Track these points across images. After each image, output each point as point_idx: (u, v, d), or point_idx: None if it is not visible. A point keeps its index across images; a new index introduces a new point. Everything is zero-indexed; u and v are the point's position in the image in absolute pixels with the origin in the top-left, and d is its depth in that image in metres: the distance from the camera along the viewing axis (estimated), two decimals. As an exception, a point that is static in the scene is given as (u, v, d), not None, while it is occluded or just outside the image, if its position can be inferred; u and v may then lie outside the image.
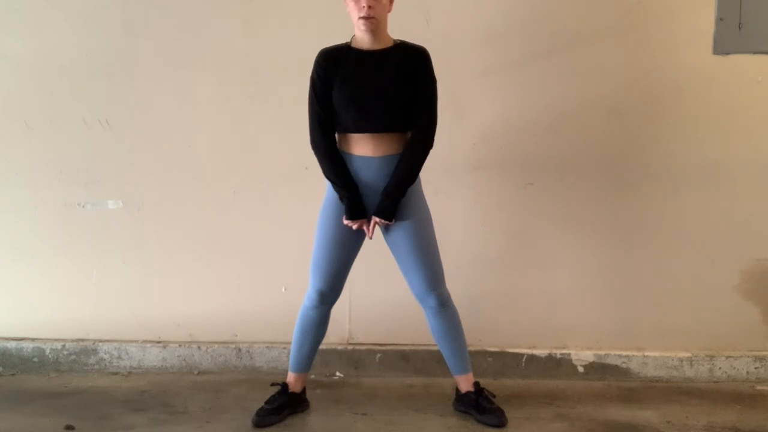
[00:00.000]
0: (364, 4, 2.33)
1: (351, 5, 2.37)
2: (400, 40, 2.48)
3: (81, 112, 3.10)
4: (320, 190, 2.55)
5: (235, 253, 3.11)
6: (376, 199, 2.45)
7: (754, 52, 2.96)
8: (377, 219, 2.45)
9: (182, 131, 3.10)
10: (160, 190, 3.12)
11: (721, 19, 2.95)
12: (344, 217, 2.45)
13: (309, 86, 2.47)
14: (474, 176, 3.03)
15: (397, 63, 2.42)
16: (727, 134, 3.00)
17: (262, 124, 3.06)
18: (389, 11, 2.44)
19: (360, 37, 2.44)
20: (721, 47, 2.96)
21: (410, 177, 2.45)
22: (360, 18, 2.36)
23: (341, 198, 2.45)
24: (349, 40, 2.48)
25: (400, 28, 2.51)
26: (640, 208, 3.04)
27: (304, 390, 2.64)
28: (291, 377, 2.61)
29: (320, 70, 2.44)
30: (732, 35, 2.95)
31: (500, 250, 3.08)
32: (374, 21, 2.36)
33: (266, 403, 2.54)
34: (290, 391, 2.59)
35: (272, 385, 2.61)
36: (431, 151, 2.48)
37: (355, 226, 2.46)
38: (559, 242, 3.06)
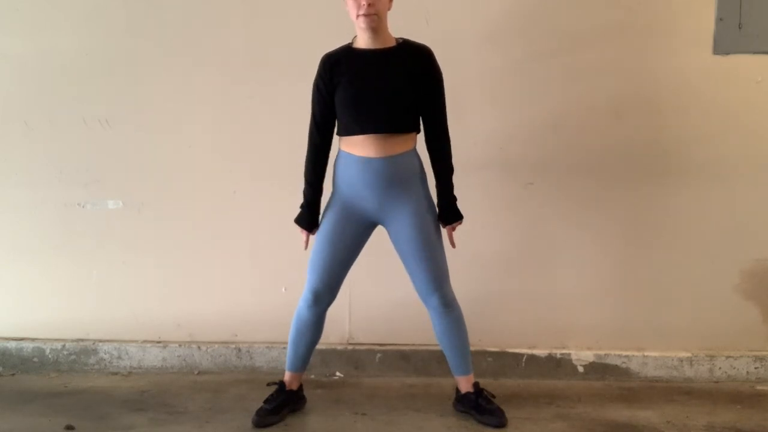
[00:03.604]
0: (364, 2, 2.32)
1: (350, 3, 2.36)
2: (403, 39, 2.47)
3: (81, 112, 3.10)
4: (320, 190, 2.55)
5: (235, 253, 3.12)
6: (374, 203, 2.45)
7: (754, 52, 2.96)
8: (453, 226, 2.54)
9: (182, 131, 3.10)
10: (160, 190, 3.12)
11: (721, 19, 2.95)
12: (295, 219, 2.54)
13: (312, 89, 2.48)
14: (474, 176, 3.02)
15: (402, 63, 2.41)
16: (727, 134, 2.99)
17: (262, 124, 3.07)
18: (389, 9, 2.43)
19: (361, 36, 2.43)
20: (721, 47, 2.96)
21: (451, 172, 2.53)
22: (360, 15, 2.35)
23: (304, 196, 2.52)
24: (350, 42, 2.48)
25: (400, 28, 2.51)
26: (640, 207, 3.04)
27: (301, 387, 2.64)
28: (287, 376, 2.61)
29: (323, 75, 2.45)
30: (732, 35, 2.95)
31: (500, 250, 3.08)
32: (374, 18, 2.35)
33: (265, 402, 2.54)
34: (287, 389, 2.59)
35: (269, 384, 2.61)
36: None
37: (303, 236, 2.54)
38: (560, 242, 3.06)
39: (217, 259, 3.12)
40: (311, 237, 2.56)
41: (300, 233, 2.56)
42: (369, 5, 2.32)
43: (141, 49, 3.08)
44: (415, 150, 2.50)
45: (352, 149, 2.45)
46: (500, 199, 3.06)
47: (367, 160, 2.42)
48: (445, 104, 2.50)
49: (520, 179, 3.04)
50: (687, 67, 2.98)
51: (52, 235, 3.14)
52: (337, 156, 2.52)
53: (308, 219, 2.53)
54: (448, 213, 2.53)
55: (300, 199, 2.55)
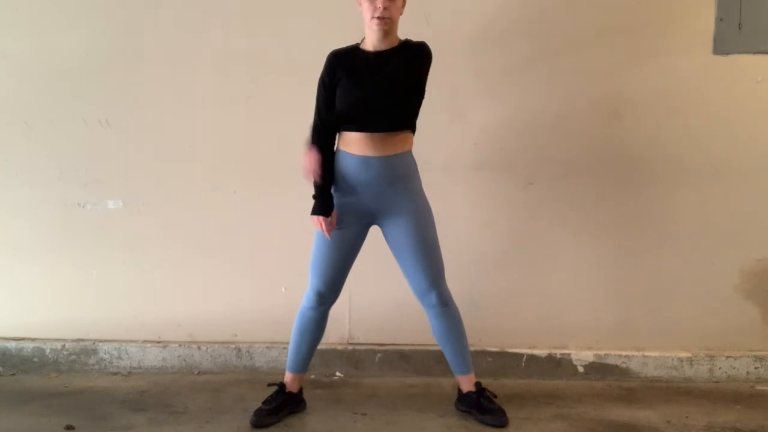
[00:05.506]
0: (379, 5, 2.34)
1: (365, 5, 2.38)
2: (405, 39, 2.48)
3: (81, 112, 3.10)
4: (320, 190, 2.55)
5: (235, 253, 3.11)
6: (372, 202, 2.45)
7: (754, 52, 2.96)
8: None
9: (182, 131, 3.10)
10: (160, 190, 3.12)
11: (721, 19, 2.95)
12: (312, 212, 2.45)
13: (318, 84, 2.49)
14: (474, 176, 3.03)
15: (399, 58, 2.42)
16: (727, 134, 2.99)
17: (262, 124, 3.07)
18: (401, 14, 2.45)
19: (370, 38, 2.44)
20: (721, 47, 2.96)
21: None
22: (374, 18, 2.36)
23: (315, 187, 2.44)
24: (359, 42, 2.49)
25: (400, 27, 2.50)
26: (641, 207, 3.04)
27: (301, 390, 2.64)
28: (288, 377, 2.61)
29: (327, 70, 2.46)
30: (732, 35, 2.95)
31: (500, 250, 3.08)
32: (388, 21, 2.37)
33: (264, 403, 2.53)
34: (287, 391, 2.59)
35: (269, 385, 2.60)
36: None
37: (324, 225, 2.43)
38: (560, 242, 3.06)
39: (216, 260, 3.12)
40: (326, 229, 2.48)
41: (318, 226, 2.45)
42: (384, 9, 2.34)
43: (141, 49, 3.08)
44: (411, 152, 2.50)
45: (349, 148, 2.46)
46: (500, 199, 3.05)
47: (364, 159, 2.43)
48: (425, 82, 2.44)
49: (519, 179, 3.04)
50: (687, 67, 2.98)
51: (52, 235, 3.14)
52: (335, 155, 2.52)
53: (323, 204, 2.45)
54: None
55: (308, 194, 2.51)
